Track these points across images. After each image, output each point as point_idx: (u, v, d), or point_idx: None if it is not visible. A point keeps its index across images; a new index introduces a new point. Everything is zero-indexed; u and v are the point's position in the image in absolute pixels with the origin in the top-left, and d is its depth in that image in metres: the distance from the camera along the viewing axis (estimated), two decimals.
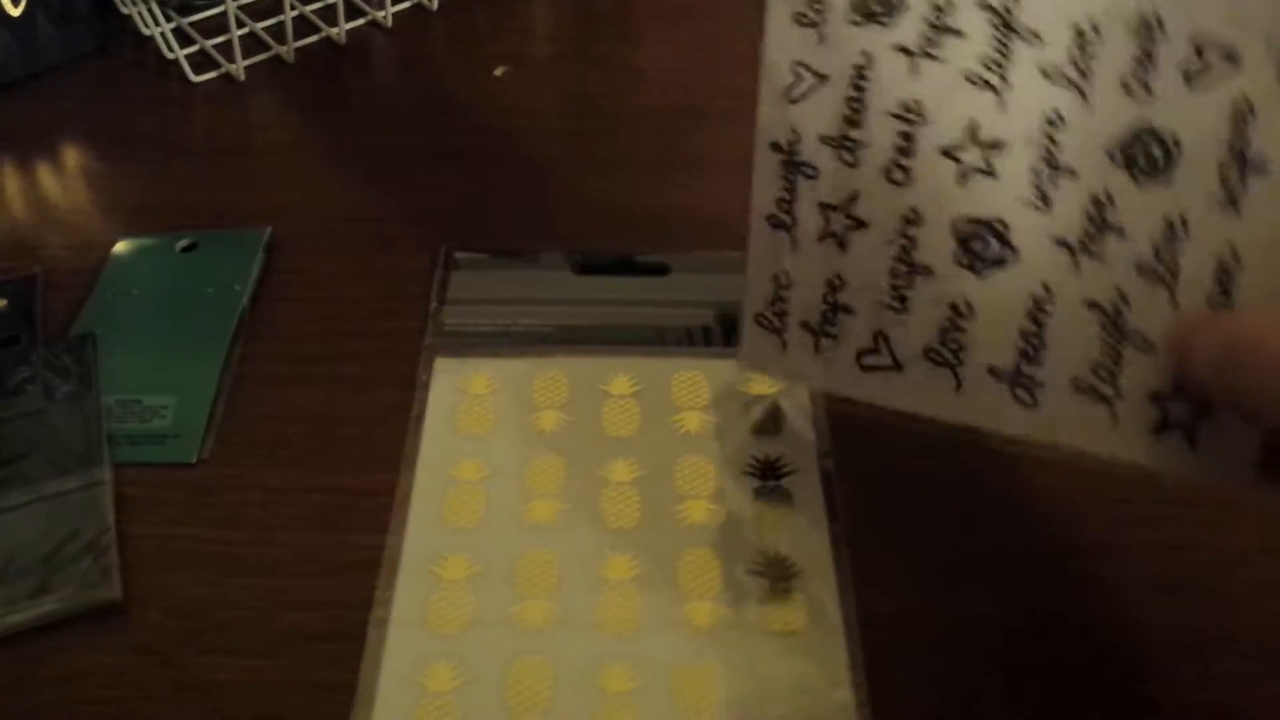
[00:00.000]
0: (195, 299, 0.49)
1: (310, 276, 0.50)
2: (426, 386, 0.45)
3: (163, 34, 0.61)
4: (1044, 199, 0.30)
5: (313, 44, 0.64)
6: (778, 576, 0.38)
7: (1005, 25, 0.31)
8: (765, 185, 0.33)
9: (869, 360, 0.32)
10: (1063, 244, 0.30)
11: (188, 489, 0.42)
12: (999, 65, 0.31)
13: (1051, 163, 0.30)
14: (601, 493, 0.41)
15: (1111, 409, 0.30)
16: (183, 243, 0.51)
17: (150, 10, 0.60)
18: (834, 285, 0.33)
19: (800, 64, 0.32)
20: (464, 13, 0.67)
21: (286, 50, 0.62)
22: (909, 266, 0.31)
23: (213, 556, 0.40)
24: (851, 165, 0.32)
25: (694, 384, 0.45)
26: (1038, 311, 0.31)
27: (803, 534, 0.39)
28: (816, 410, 0.43)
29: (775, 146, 0.33)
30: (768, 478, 0.41)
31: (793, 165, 0.33)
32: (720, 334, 0.47)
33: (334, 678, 0.36)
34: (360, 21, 0.65)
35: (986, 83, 0.31)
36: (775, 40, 0.32)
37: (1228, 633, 0.37)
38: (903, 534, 0.40)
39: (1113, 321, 0.30)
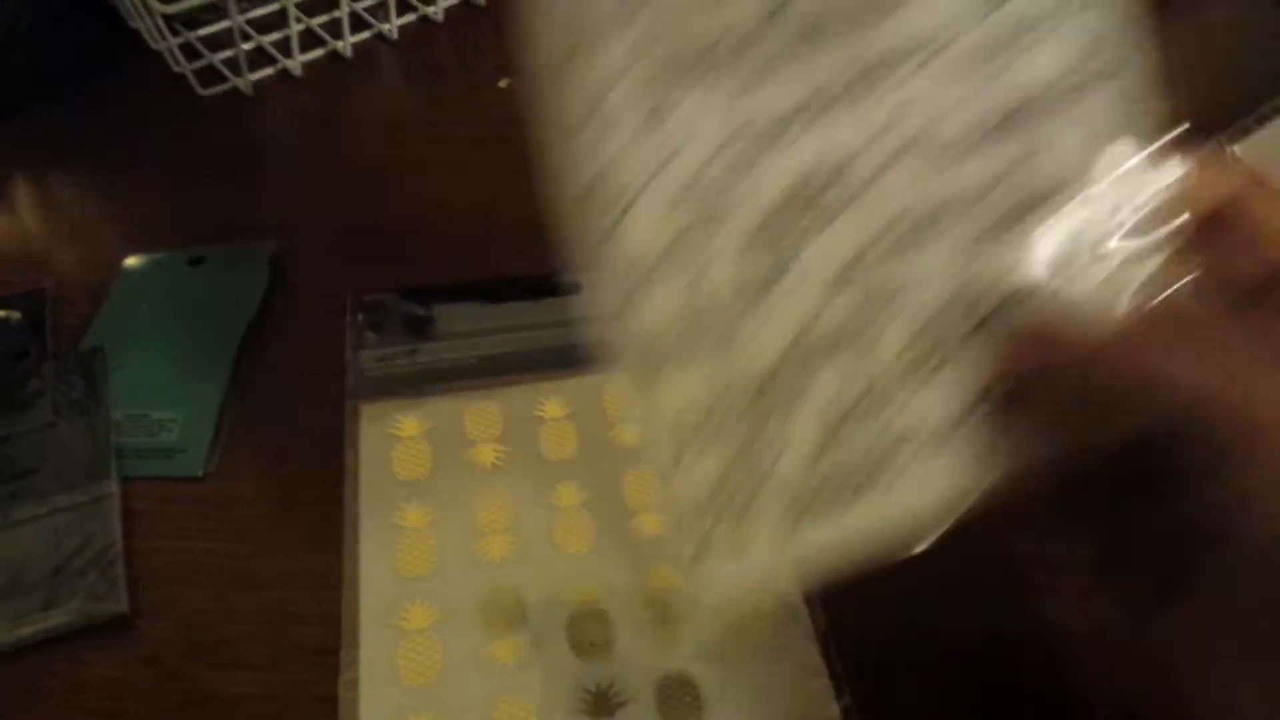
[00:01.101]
0: (202, 314, 0.49)
1: (315, 290, 0.50)
2: (355, 437, 0.43)
3: (170, 49, 0.62)
4: None
5: (319, 57, 0.64)
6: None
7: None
8: None
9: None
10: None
11: (194, 503, 0.43)
12: None
13: None
14: (553, 520, 0.41)
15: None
16: (190, 258, 0.52)
17: (158, 25, 0.61)
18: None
19: None
20: (469, 25, 0.67)
21: (293, 64, 0.63)
22: None
23: (218, 570, 0.40)
24: None
25: (626, 397, 0.44)
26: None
27: None
28: None
29: None
30: None
31: None
32: None
33: (338, 691, 0.36)
34: (366, 34, 0.66)
35: None
36: None
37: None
38: None
39: None
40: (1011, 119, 0.29)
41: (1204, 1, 0.68)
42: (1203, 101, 0.59)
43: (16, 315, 0.50)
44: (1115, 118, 0.29)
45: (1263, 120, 0.55)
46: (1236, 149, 0.53)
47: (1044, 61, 0.29)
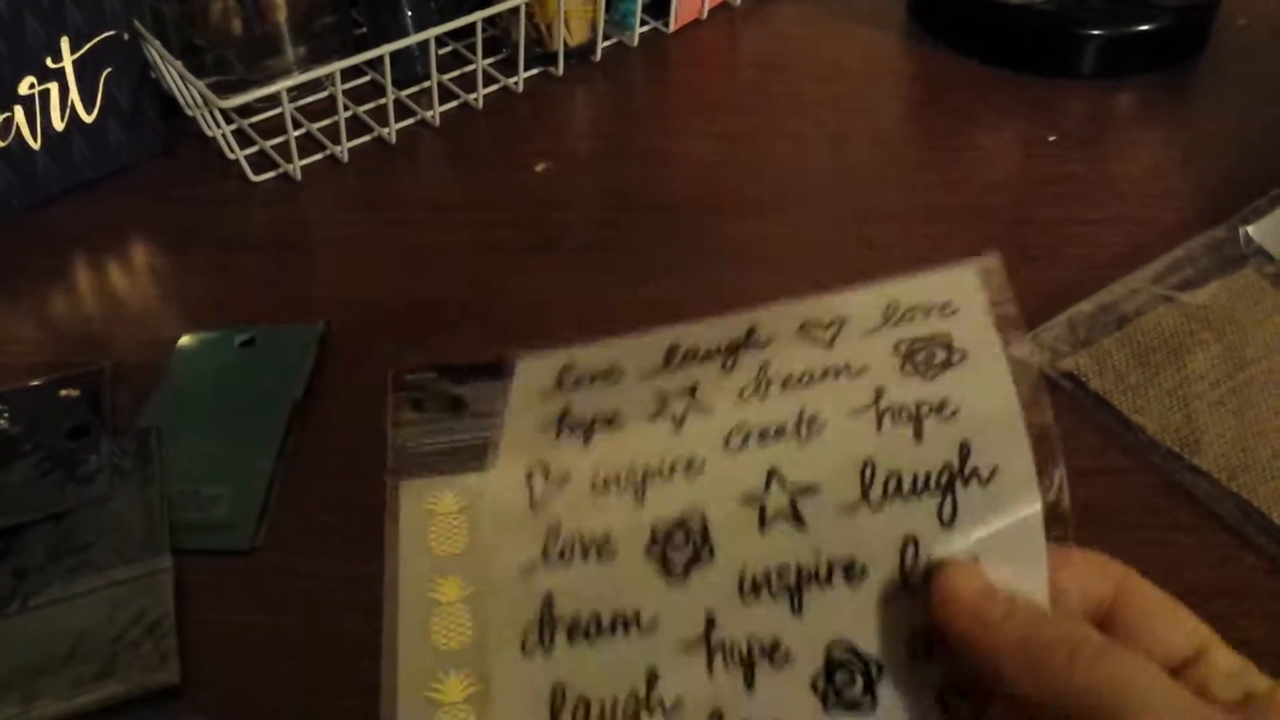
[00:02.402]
0: (252, 392, 0.51)
1: (359, 368, 0.53)
2: (396, 512, 0.44)
3: (224, 135, 0.65)
4: None
5: (365, 143, 0.67)
6: None
7: None
8: None
9: None
10: None
11: (242, 576, 0.45)
12: None
13: None
14: None
15: None
16: (242, 338, 0.54)
17: (212, 114, 0.64)
18: None
19: None
20: (507, 111, 0.70)
21: (340, 150, 0.66)
22: None
23: (265, 641, 0.42)
24: None
25: None
26: None
27: None
28: None
29: None
30: None
31: None
32: None
33: None
34: (409, 121, 0.69)
35: None
36: None
37: None
38: None
39: None
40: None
41: (1220, 85, 0.70)
42: (1219, 182, 0.61)
43: (76, 393, 0.52)
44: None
45: (1276, 201, 0.56)
46: (1250, 229, 0.54)
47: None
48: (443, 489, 0.46)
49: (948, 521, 0.26)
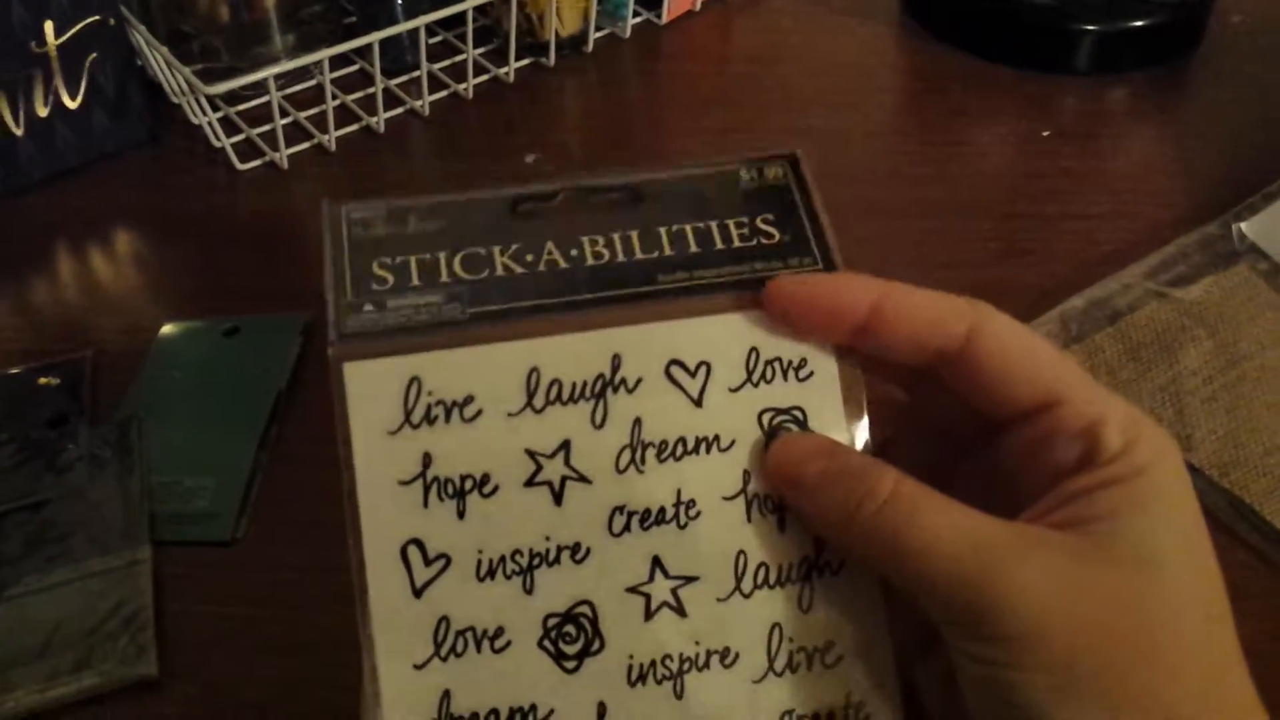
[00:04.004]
0: (235, 382, 0.51)
1: None
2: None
3: (210, 123, 0.64)
4: None
5: (353, 133, 0.67)
6: None
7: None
8: None
9: None
10: None
11: (224, 568, 0.44)
12: None
13: None
14: None
15: None
16: (225, 327, 0.54)
17: (199, 101, 0.63)
18: None
19: None
20: (498, 101, 0.69)
21: (328, 139, 0.65)
22: None
23: (246, 635, 0.42)
24: None
25: None
26: None
27: None
28: None
29: None
30: None
31: None
32: None
33: None
34: (398, 110, 0.68)
35: None
36: None
37: None
38: None
39: None
40: None
41: (1214, 82, 0.70)
42: (1213, 179, 0.60)
43: (55, 381, 0.52)
44: None
45: (1270, 198, 0.56)
46: (1244, 226, 0.54)
47: None
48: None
49: (806, 608, 0.29)
